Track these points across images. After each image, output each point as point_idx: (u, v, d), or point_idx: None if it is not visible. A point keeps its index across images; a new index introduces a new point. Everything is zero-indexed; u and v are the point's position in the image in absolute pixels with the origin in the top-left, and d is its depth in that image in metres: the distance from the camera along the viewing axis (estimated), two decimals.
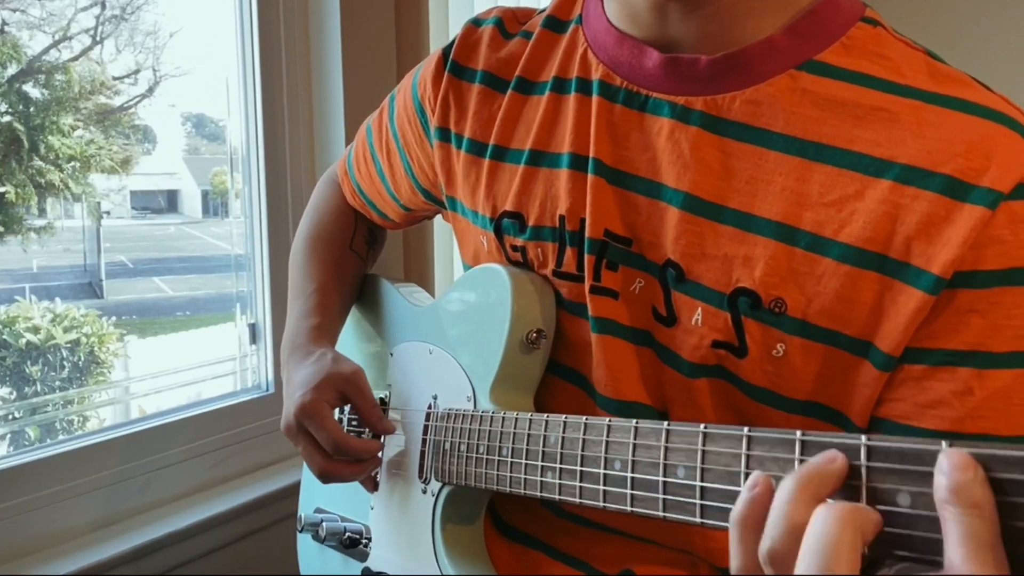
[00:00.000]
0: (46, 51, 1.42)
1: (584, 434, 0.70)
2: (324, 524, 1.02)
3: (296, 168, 1.59)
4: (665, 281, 0.76)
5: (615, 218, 0.78)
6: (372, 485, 1.00)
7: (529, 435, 0.76)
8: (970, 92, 0.68)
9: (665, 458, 0.62)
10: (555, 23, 0.88)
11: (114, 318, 1.62)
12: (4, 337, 1.46)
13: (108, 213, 1.63)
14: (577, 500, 0.71)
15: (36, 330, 1.48)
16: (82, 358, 1.53)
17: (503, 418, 0.80)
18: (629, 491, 0.66)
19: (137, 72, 1.55)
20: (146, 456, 1.36)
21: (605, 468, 0.68)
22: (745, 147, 0.72)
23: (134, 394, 1.58)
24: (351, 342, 1.14)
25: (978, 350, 0.63)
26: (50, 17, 1.39)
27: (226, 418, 1.48)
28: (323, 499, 1.11)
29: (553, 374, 0.86)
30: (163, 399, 1.52)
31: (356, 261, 1.14)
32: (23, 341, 1.46)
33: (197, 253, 1.92)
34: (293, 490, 1.44)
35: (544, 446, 0.74)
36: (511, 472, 0.78)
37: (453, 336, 0.93)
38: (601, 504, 0.68)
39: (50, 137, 1.44)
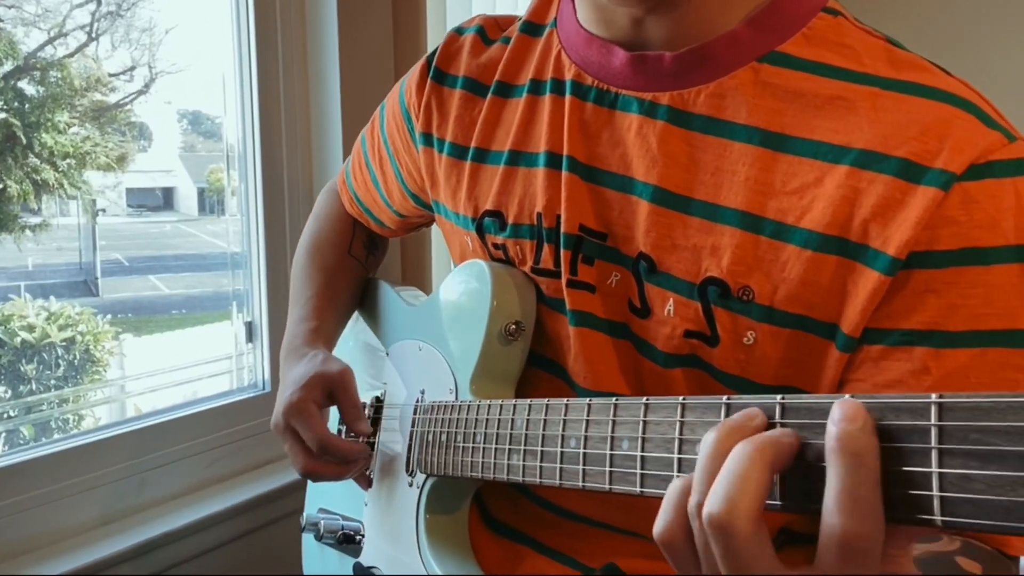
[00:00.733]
0: (41, 48, 1.42)
1: (546, 415, 0.72)
2: (323, 523, 1.04)
3: (293, 165, 1.59)
4: (638, 273, 0.77)
5: (589, 213, 0.80)
6: (366, 482, 1.02)
7: (499, 420, 0.78)
8: (927, 76, 0.70)
9: (613, 431, 0.64)
10: (532, 27, 0.90)
11: (109, 316, 1.62)
12: None
13: (104, 211, 1.63)
14: (538, 480, 0.72)
15: (31, 328, 1.48)
16: (77, 356, 1.53)
17: (477, 406, 0.82)
18: (581, 467, 0.67)
19: (133, 69, 1.54)
20: (142, 455, 1.35)
21: (562, 446, 0.69)
22: (710, 139, 0.74)
23: (130, 393, 1.58)
24: (352, 344, 1.16)
25: (935, 329, 0.65)
26: (45, 13, 1.39)
27: (222, 417, 1.48)
28: (326, 499, 1.12)
29: (535, 367, 0.88)
30: (159, 398, 1.52)
31: (355, 266, 1.16)
32: (18, 339, 1.46)
33: (193, 251, 1.91)
34: (290, 489, 1.44)
35: (512, 429, 0.76)
36: (483, 458, 0.80)
37: (439, 331, 0.95)
38: (558, 482, 0.70)
39: (45, 134, 1.44)
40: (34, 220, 1.45)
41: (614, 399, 0.65)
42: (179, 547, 1.32)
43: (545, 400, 0.73)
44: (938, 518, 0.45)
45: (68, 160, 1.48)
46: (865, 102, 0.69)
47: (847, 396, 0.49)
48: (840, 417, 0.47)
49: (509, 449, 0.76)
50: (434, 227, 1.29)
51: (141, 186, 1.77)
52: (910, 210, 0.65)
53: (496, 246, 0.88)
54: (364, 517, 1.02)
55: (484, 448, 0.80)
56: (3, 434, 1.34)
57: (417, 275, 1.74)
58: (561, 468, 0.69)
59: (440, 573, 0.87)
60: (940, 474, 0.45)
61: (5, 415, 1.38)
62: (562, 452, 0.69)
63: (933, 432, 0.46)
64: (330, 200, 1.21)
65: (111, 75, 1.53)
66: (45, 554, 1.21)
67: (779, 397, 0.53)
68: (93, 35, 1.48)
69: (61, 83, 1.46)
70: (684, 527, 0.54)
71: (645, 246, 0.76)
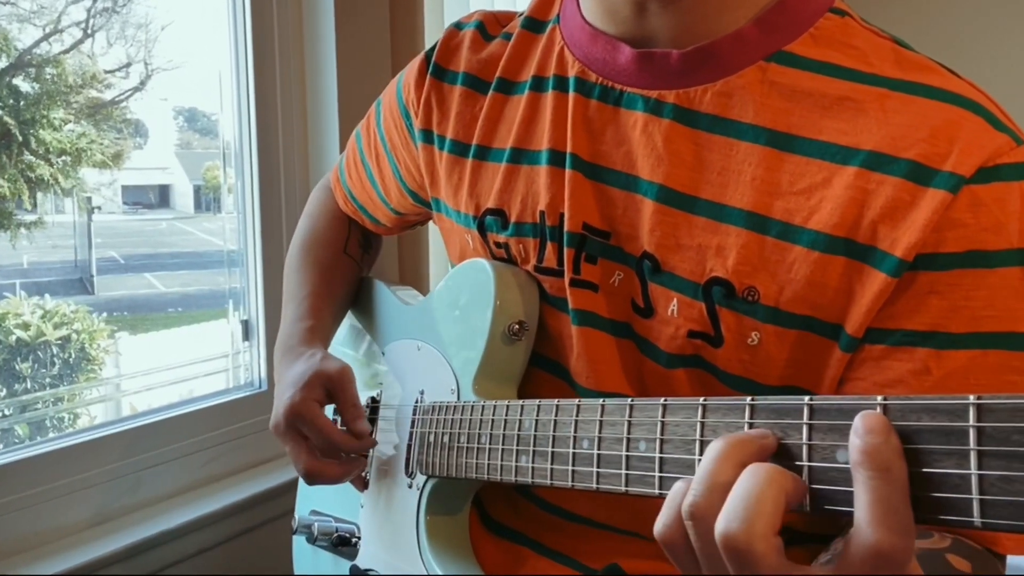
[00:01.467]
0: (36, 44, 1.41)
1: (556, 416, 0.71)
2: (316, 525, 1.03)
3: (289, 163, 1.58)
4: (642, 273, 0.77)
5: (593, 212, 0.80)
6: (362, 484, 1.01)
7: (506, 421, 0.78)
8: (935, 78, 0.70)
9: (629, 433, 0.64)
10: (533, 24, 0.90)
11: (105, 314, 1.61)
12: None
13: (99, 208, 1.62)
14: (548, 482, 0.72)
15: (26, 327, 1.47)
16: (73, 355, 1.52)
17: (482, 407, 0.81)
18: (595, 469, 0.66)
19: (129, 65, 1.54)
20: (137, 454, 1.35)
21: (574, 447, 0.69)
22: (716, 138, 0.74)
23: (125, 391, 1.57)
24: (346, 344, 1.15)
25: (936, 331, 0.65)
26: (41, 10, 1.38)
27: (218, 416, 1.47)
28: (318, 501, 1.11)
29: (537, 367, 0.87)
30: (155, 396, 1.51)
31: (350, 265, 1.15)
32: (13, 338, 1.45)
33: (189, 249, 1.91)
34: (286, 488, 1.44)
35: (519, 430, 0.75)
36: (489, 459, 0.79)
37: (439, 331, 0.94)
38: (570, 484, 0.69)
39: (40, 131, 1.43)
40: (29, 217, 1.44)
41: (629, 400, 0.64)
42: (175, 547, 1.31)
43: (555, 401, 0.72)
44: (977, 520, 0.44)
45: (63, 157, 1.47)
46: (873, 103, 0.69)
47: (879, 398, 0.49)
48: (864, 430, 0.47)
49: (517, 450, 0.75)
50: (431, 225, 1.29)
51: (137, 183, 1.77)
52: (919, 212, 0.65)
53: (498, 245, 0.87)
54: (360, 519, 1.01)
55: (490, 449, 0.79)
56: None
57: (415, 274, 1.74)
58: (573, 470, 0.69)
59: (442, 574, 0.86)
60: (980, 476, 0.44)
61: (0, 414, 1.37)
62: (574, 453, 0.69)
63: (972, 433, 0.45)
64: (323, 197, 1.20)
65: (107, 72, 1.52)
66: (39, 554, 1.21)
67: (807, 398, 0.52)
68: (88, 31, 1.47)
69: (56, 80, 1.45)
70: (683, 528, 0.53)
71: (649, 245, 0.76)
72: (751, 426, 0.55)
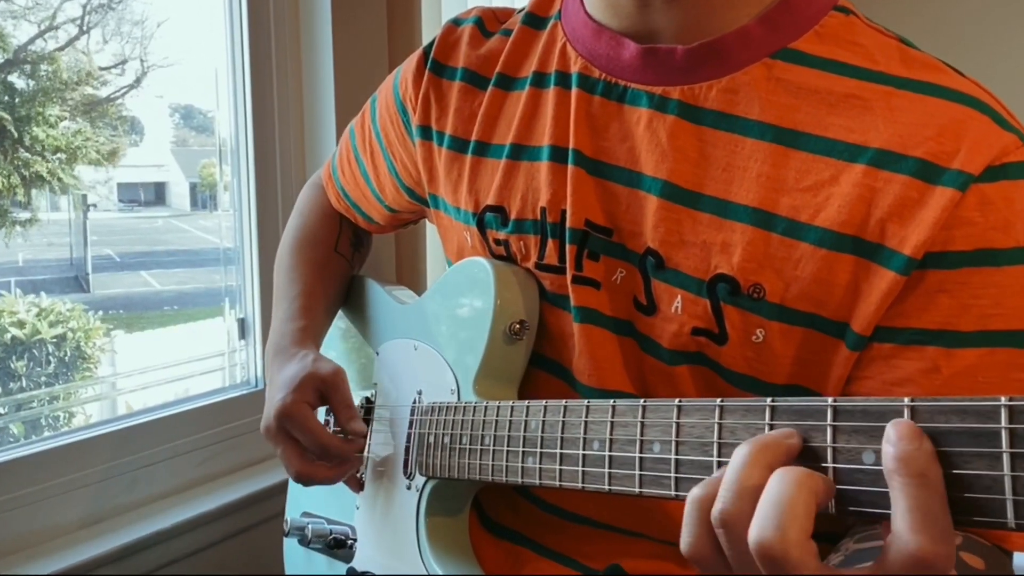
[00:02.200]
0: (32, 41, 1.40)
1: (564, 417, 0.71)
2: (310, 527, 1.02)
3: (286, 160, 1.58)
4: (645, 270, 0.77)
5: (596, 208, 0.79)
6: (357, 485, 1.00)
7: (511, 421, 0.77)
8: (941, 76, 0.70)
9: (642, 434, 0.63)
10: (534, 20, 0.89)
11: (100, 312, 1.60)
12: None
13: (95, 206, 1.61)
14: (557, 483, 0.71)
15: (21, 325, 1.47)
16: (68, 353, 1.52)
17: (485, 407, 0.81)
18: (607, 470, 0.66)
19: (124, 62, 1.53)
20: (133, 453, 1.34)
21: (584, 449, 0.68)
22: (721, 135, 0.73)
23: (121, 390, 1.56)
24: (338, 344, 1.14)
25: (946, 329, 0.65)
26: (36, 6, 1.37)
27: (214, 415, 1.47)
28: (310, 502, 1.10)
29: (536, 366, 0.87)
30: (150, 395, 1.50)
31: (342, 263, 1.14)
32: (8, 336, 1.45)
33: (185, 247, 1.90)
34: (282, 488, 1.42)
35: (525, 431, 0.75)
36: (493, 460, 0.79)
37: (437, 330, 0.93)
38: (580, 485, 0.69)
39: (36, 128, 1.43)
40: (24, 215, 1.44)
41: (641, 401, 0.64)
42: (170, 546, 1.31)
43: (563, 401, 0.71)
44: (1011, 521, 0.44)
45: (59, 155, 1.47)
46: (880, 101, 0.69)
47: (907, 400, 0.48)
48: (897, 437, 0.47)
49: (523, 451, 0.75)
50: (429, 224, 1.28)
51: (132, 181, 1.76)
52: (928, 210, 0.65)
53: (497, 242, 0.86)
54: (356, 521, 1.01)
55: (494, 451, 0.78)
56: None
57: (412, 272, 1.73)
58: (584, 471, 0.68)
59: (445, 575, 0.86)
60: (1014, 477, 0.44)
61: None
62: (584, 455, 0.68)
63: (1004, 435, 0.45)
64: (314, 195, 1.19)
65: (102, 69, 1.51)
66: (34, 553, 1.20)
67: (830, 399, 0.52)
68: (84, 28, 1.47)
69: (52, 77, 1.45)
70: (712, 541, 0.53)
71: (653, 242, 0.76)
72: (771, 427, 0.55)
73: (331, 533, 1.02)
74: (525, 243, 0.84)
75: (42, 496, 1.22)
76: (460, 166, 0.90)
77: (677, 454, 0.60)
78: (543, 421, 0.73)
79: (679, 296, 0.75)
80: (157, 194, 1.86)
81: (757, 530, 0.48)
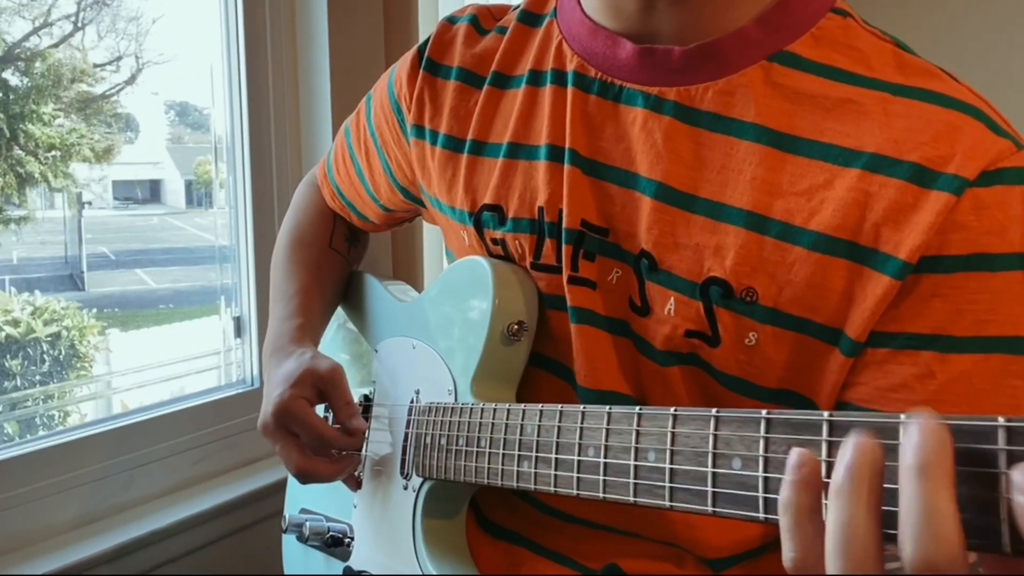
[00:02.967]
0: (26, 38, 1.40)
1: (559, 422, 0.70)
2: (308, 524, 1.01)
3: (282, 157, 1.57)
4: (639, 271, 0.76)
5: (591, 208, 0.79)
6: (355, 483, 0.99)
7: (507, 425, 0.76)
8: (936, 83, 0.70)
9: (637, 442, 0.63)
10: (530, 17, 0.89)
11: (95, 311, 1.60)
12: None
13: (89, 203, 1.61)
14: (552, 489, 0.70)
15: (16, 323, 1.46)
16: (63, 352, 1.51)
17: (482, 409, 0.80)
18: (602, 477, 0.66)
19: (119, 59, 1.53)
20: (128, 452, 1.34)
21: (579, 455, 0.68)
22: (717, 137, 0.73)
23: (116, 389, 1.56)
24: (337, 340, 1.13)
25: (940, 334, 0.65)
26: (30, 3, 1.37)
27: (210, 413, 1.46)
28: (308, 499, 1.10)
29: (536, 366, 0.86)
30: (146, 394, 1.50)
31: (338, 260, 1.14)
32: (2, 334, 1.45)
33: (181, 244, 1.91)
34: (279, 487, 1.42)
35: (521, 435, 0.74)
36: (489, 463, 0.78)
37: (436, 329, 0.93)
38: (575, 492, 0.68)
39: (30, 125, 1.42)
40: (18, 213, 1.44)
41: (637, 408, 0.63)
42: (166, 546, 1.30)
43: (558, 406, 0.71)
44: (1006, 546, 0.43)
45: (53, 152, 1.46)
46: (875, 107, 0.69)
47: (903, 416, 0.47)
48: (919, 435, 0.44)
49: (519, 456, 0.74)
50: (425, 222, 1.28)
51: (127, 178, 1.76)
52: (922, 215, 0.64)
53: (495, 241, 0.86)
54: (353, 519, 1.00)
55: (490, 453, 0.78)
56: None
57: (409, 270, 1.73)
58: (579, 477, 0.68)
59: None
60: (1010, 500, 0.42)
61: None
62: (579, 461, 0.68)
63: (1002, 457, 0.43)
64: (309, 193, 1.19)
65: (97, 65, 1.51)
66: (29, 553, 1.20)
67: (826, 414, 0.51)
68: (79, 24, 1.47)
69: (46, 74, 1.44)
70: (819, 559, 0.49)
71: (647, 243, 0.75)
72: (767, 440, 0.54)
73: (328, 531, 1.01)
74: (522, 243, 0.84)
75: (37, 496, 1.22)
76: (455, 166, 0.89)
77: (672, 463, 0.60)
78: (539, 426, 0.73)
79: (672, 298, 0.75)
80: (152, 192, 1.85)
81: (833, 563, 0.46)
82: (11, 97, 1.39)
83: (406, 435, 0.92)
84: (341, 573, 1.00)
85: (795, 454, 0.49)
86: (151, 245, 1.86)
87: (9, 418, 1.36)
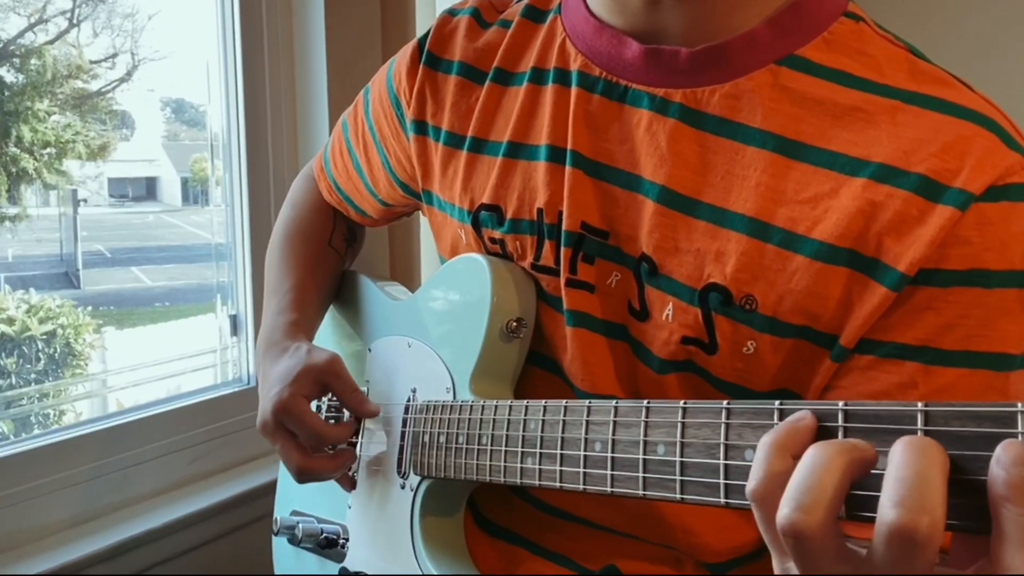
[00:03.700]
0: (21, 34, 1.39)
1: (564, 417, 0.70)
2: (300, 526, 1.01)
3: (278, 155, 1.57)
4: (639, 275, 0.76)
5: (593, 210, 0.78)
6: (349, 484, 0.99)
7: (509, 421, 0.76)
8: (949, 91, 0.69)
9: (645, 435, 0.62)
10: (534, 12, 0.87)
11: (91, 309, 1.60)
12: None
13: (85, 201, 1.61)
14: (558, 484, 0.70)
15: (11, 321, 1.46)
16: (58, 350, 1.51)
17: (482, 406, 0.80)
18: (609, 472, 0.65)
19: (115, 56, 1.52)
20: (123, 451, 1.33)
21: (586, 450, 0.67)
22: (722, 141, 0.72)
23: (111, 387, 1.55)
24: (328, 339, 1.12)
25: (928, 346, 0.65)
26: None
27: (206, 412, 1.46)
28: (299, 501, 1.09)
29: (534, 365, 0.86)
30: (141, 392, 1.50)
31: (334, 258, 1.13)
32: None
33: (176, 242, 1.90)
34: (275, 487, 1.42)
35: (524, 431, 0.74)
36: (491, 460, 0.78)
37: (432, 328, 0.92)
38: (582, 487, 0.68)
39: (25, 123, 1.42)
40: (13, 210, 1.43)
41: (645, 402, 0.63)
42: (161, 545, 1.30)
43: (562, 401, 0.71)
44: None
45: (48, 149, 1.46)
46: (885, 115, 0.68)
47: (920, 405, 0.47)
48: (1011, 462, 0.43)
49: (522, 452, 0.74)
50: (423, 219, 1.27)
51: (123, 176, 1.75)
52: (926, 228, 0.64)
53: (493, 241, 0.85)
54: (348, 520, 1.00)
55: (492, 451, 0.77)
56: None
57: (406, 268, 1.73)
58: (586, 472, 0.67)
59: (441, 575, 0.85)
60: None
61: None
62: (586, 456, 0.67)
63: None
64: (307, 186, 1.18)
65: (92, 62, 1.51)
66: (23, 552, 1.19)
67: (840, 403, 0.51)
68: (74, 21, 1.46)
69: (41, 70, 1.44)
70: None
71: (647, 247, 0.74)
72: None
73: (322, 532, 1.00)
74: (521, 243, 0.83)
75: (31, 495, 1.21)
76: (456, 163, 0.88)
77: (682, 456, 0.59)
78: (543, 421, 0.72)
79: (670, 303, 0.74)
80: (148, 189, 1.85)
81: (781, 510, 0.47)
82: (6, 94, 1.39)
83: (403, 434, 0.92)
84: (337, 574, 0.99)
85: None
86: (147, 243, 1.86)
87: (4, 417, 1.35)
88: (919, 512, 0.43)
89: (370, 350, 1.02)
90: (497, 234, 0.84)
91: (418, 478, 0.89)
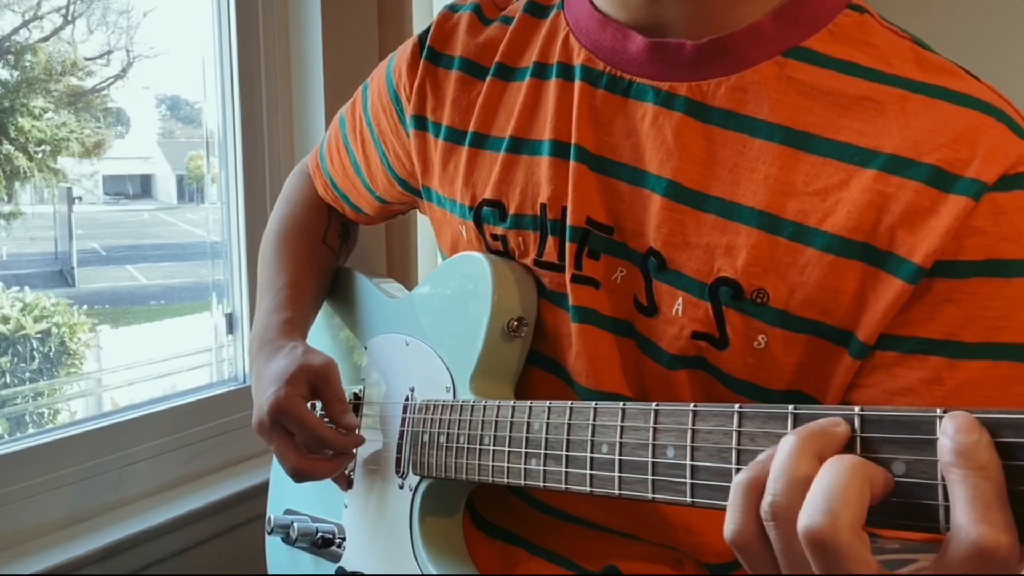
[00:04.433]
0: (16, 31, 1.39)
1: (570, 419, 0.69)
2: (295, 525, 1.00)
3: (274, 152, 1.56)
4: (647, 270, 0.75)
5: (597, 206, 0.77)
6: (346, 483, 0.98)
7: (512, 422, 0.75)
8: (957, 81, 0.68)
9: (654, 439, 0.62)
10: (536, 8, 0.87)
11: (86, 307, 1.59)
12: None
13: (80, 199, 1.60)
14: (563, 487, 0.70)
15: (5, 320, 1.45)
16: (53, 349, 1.50)
17: (484, 407, 0.79)
18: (617, 474, 0.65)
19: (110, 53, 1.52)
20: (118, 450, 1.33)
21: (592, 452, 0.67)
22: (729, 134, 0.72)
23: (106, 386, 1.54)
24: (323, 337, 1.12)
25: (951, 339, 0.64)
26: None
27: (202, 411, 1.46)
28: (293, 500, 1.09)
29: (534, 364, 0.85)
30: (136, 391, 1.49)
31: (329, 255, 1.12)
32: None
33: (172, 240, 1.89)
34: None
35: (528, 433, 0.73)
36: (493, 461, 0.77)
37: (431, 326, 0.91)
38: (588, 489, 0.67)
39: (19, 120, 1.41)
40: (7, 208, 1.43)
41: (654, 405, 0.62)
42: (157, 545, 1.29)
43: (568, 403, 0.70)
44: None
45: (43, 147, 1.45)
46: (894, 104, 0.67)
47: (939, 411, 0.47)
48: (955, 430, 0.45)
49: (526, 453, 0.73)
50: (420, 215, 1.27)
51: (118, 173, 1.74)
52: (939, 219, 0.63)
53: (495, 237, 0.85)
54: (344, 519, 0.99)
55: (494, 451, 0.77)
56: None
57: (403, 265, 1.72)
58: (592, 475, 0.67)
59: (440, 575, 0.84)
60: None
61: None
62: (592, 458, 0.67)
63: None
64: (301, 182, 1.17)
65: (87, 59, 1.50)
66: (17, 552, 1.19)
67: (857, 408, 0.50)
68: (69, 18, 1.45)
69: (36, 67, 1.43)
70: (758, 528, 0.50)
71: (655, 242, 0.74)
72: None
73: (317, 532, 1.00)
74: (524, 239, 0.83)
75: (25, 494, 1.21)
76: (456, 158, 0.88)
77: (693, 460, 0.59)
78: (547, 423, 0.72)
79: (680, 298, 0.73)
80: (143, 187, 1.84)
81: (806, 518, 0.47)
82: (0, 91, 1.38)
83: (401, 433, 0.91)
84: (333, 574, 0.99)
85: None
86: (142, 241, 1.85)
87: None
88: (823, 514, 0.45)
89: (366, 348, 1.02)
90: (499, 230, 0.84)
91: (417, 478, 0.88)
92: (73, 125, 1.50)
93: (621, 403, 0.65)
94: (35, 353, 1.49)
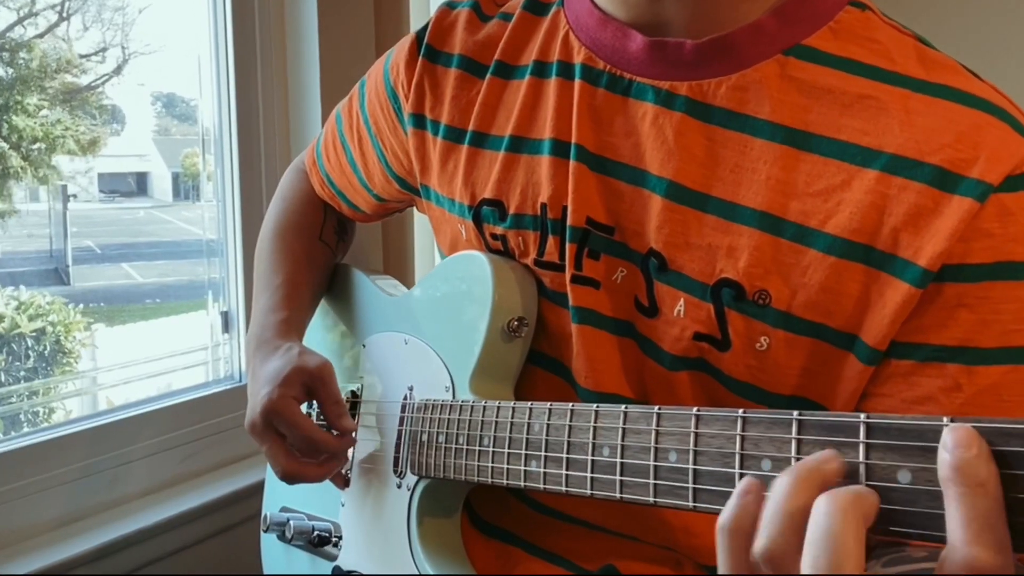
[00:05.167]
0: (10, 28, 1.38)
1: (571, 421, 0.69)
2: (291, 523, 1.00)
3: (270, 150, 1.56)
4: (647, 271, 0.75)
5: (598, 205, 0.77)
6: (343, 482, 0.98)
7: (512, 423, 0.75)
8: (960, 80, 0.68)
9: (656, 442, 0.62)
10: (536, 5, 0.87)
11: (81, 306, 1.58)
12: None
13: (75, 196, 1.59)
14: (563, 489, 0.69)
15: (0, 318, 1.44)
16: (48, 347, 1.50)
17: (484, 407, 0.79)
18: (618, 477, 0.64)
19: (105, 50, 1.51)
20: (114, 449, 1.32)
21: (593, 455, 0.66)
22: (730, 134, 0.71)
23: (102, 385, 1.54)
24: (320, 334, 1.11)
25: (967, 345, 0.63)
26: None
27: (197, 410, 1.45)
28: (289, 498, 1.08)
29: (535, 364, 0.85)
30: (132, 390, 1.49)
31: (326, 252, 1.12)
32: None
33: (167, 238, 1.89)
34: None
35: (528, 434, 0.73)
36: (493, 462, 0.77)
37: (430, 325, 0.91)
38: (588, 492, 0.67)
39: (14, 117, 1.41)
40: (1, 206, 1.42)
41: (656, 408, 0.62)
42: (152, 545, 1.29)
43: (568, 404, 0.70)
44: None
45: (38, 144, 1.45)
46: (896, 103, 0.67)
47: (946, 419, 0.46)
48: (954, 444, 0.44)
49: (526, 455, 0.73)
50: (417, 213, 1.26)
51: (113, 171, 1.74)
52: (944, 220, 0.63)
53: (495, 236, 0.84)
54: (341, 518, 0.99)
55: (494, 452, 0.77)
56: None
57: (400, 264, 1.72)
58: (593, 478, 0.66)
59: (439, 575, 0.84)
60: None
61: None
62: (593, 461, 0.66)
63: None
64: (297, 179, 1.16)
65: (82, 56, 1.49)
66: (12, 552, 1.18)
67: (863, 415, 0.50)
68: (64, 15, 1.45)
69: (30, 64, 1.43)
70: (750, 570, 0.50)
71: (656, 243, 0.73)
72: (799, 442, 0.53)
73: (314, 530, 0.99)
74: (524, 239, 0.82)
75: (20, 494, 1.20)
76: (456, 157, 0.87)
77: (695, 464, 0.59)
78: (547, 424, 0.71)
79: (682, 299, 0.73)
80: (139, 184, 1.84)
81: (811, 570, 0.46)
82: None
83: (399, 433, 0.91)
84: (330, 573, 0.98)
85: (744, 482, 0.51)
86: (137, 239, 1.85)
87: None
88: (827, 568, 0.45)
89: (364, 346, 1.01)
90: (499, 229, 0.83)
91: (415, 478, 0.88)
92: (68, 122, 1.49)
93: (623, 406, 0.65)
94: (30, 352, 1.48)
